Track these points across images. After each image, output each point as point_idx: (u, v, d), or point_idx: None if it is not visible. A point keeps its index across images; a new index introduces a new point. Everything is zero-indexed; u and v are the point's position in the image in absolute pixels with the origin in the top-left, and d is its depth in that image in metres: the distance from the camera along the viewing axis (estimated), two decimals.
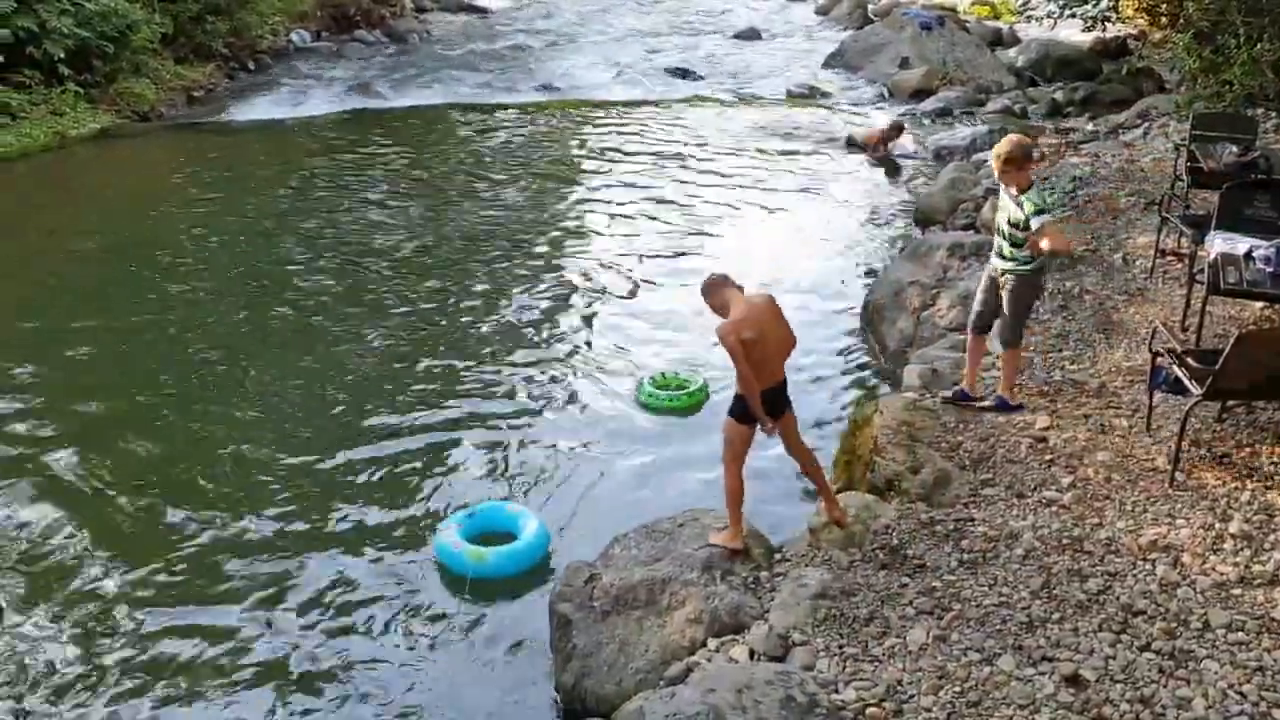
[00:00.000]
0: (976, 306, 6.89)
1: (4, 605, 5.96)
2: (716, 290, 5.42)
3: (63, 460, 7.39)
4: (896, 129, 15.27)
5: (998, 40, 22.60)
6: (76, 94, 16.55)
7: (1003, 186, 6.58)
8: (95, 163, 15.30)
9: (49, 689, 5.43)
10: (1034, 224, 6.31)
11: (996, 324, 6.81)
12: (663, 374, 8.40)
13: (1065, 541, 5.49)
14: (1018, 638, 4.83)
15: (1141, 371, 6.96)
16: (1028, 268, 6.55)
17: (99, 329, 9.50)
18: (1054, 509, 5.80)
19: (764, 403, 5.34)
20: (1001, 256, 6.62)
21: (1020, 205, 6.37)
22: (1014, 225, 6.46)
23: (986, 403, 6.82)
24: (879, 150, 14.95)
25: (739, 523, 5.59)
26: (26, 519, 6.75)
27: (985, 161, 12.93)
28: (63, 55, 16.24)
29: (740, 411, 5.43)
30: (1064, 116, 16.72)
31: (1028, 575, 5.24)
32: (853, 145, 15.34)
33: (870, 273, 10.63)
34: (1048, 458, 6.28)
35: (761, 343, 5.25)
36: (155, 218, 12.69)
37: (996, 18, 24.47)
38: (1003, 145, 6.50)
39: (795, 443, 5.72)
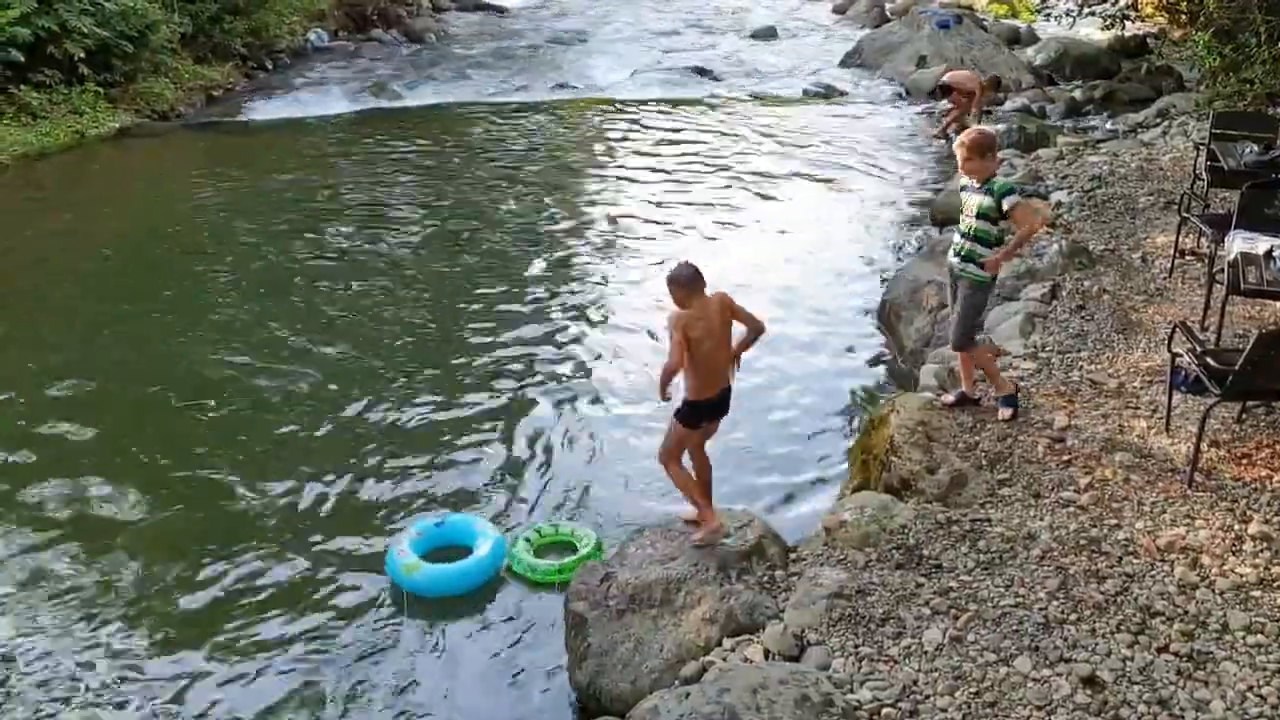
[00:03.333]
0: (949, 311, 6.86)
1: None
2: (688, 287, 5.35)
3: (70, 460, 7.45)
4: (994, 82, 15.06)
5: (1016, 39, 22.52)
6: (96, 93, 16.67)
7: (966, 181, 6.48)
8: (115, 162, 15.40)
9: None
10: (1006, 204, 6.19)
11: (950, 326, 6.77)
12: (539, 530, 6.52)
13: (1083, 542, 5.46)
14: (1034, 639, 4.80)
15: (1160, 371, 6.92)
16: (981, 279, 6.49)
17: (115, 325, 9.57)
18: (1071, 509, 5.77)
19: (710, 408, 5.49)
20: (959, 256, 6.51)
21: (988, 191, 6.26)
22: (982, 216, 6.31)
23: (1006, 413, 6.66)
24: (968, 109, 14.65)
25: (709, 505, 5.64)
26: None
27: (1003, 160, 12.94)
28: (83, 55, 16.35)
29: (688, 416, 5.50)
30: (1082, 115, 16.65)
31: (1045, 576, 5.21)
32: (944, 92, 15.23)
33: (887, 272, 10.59)
34: (1065, 458, 6.24)
35: (707, 345, 5.34)
36: (173, 216, 12.75)
37: (1015, 16, 24.40)
38: (969, 134, 6.42)
39: (703, 446, 5.78)
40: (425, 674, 5.56)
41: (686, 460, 5.69)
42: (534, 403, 8.29)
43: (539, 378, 8.67)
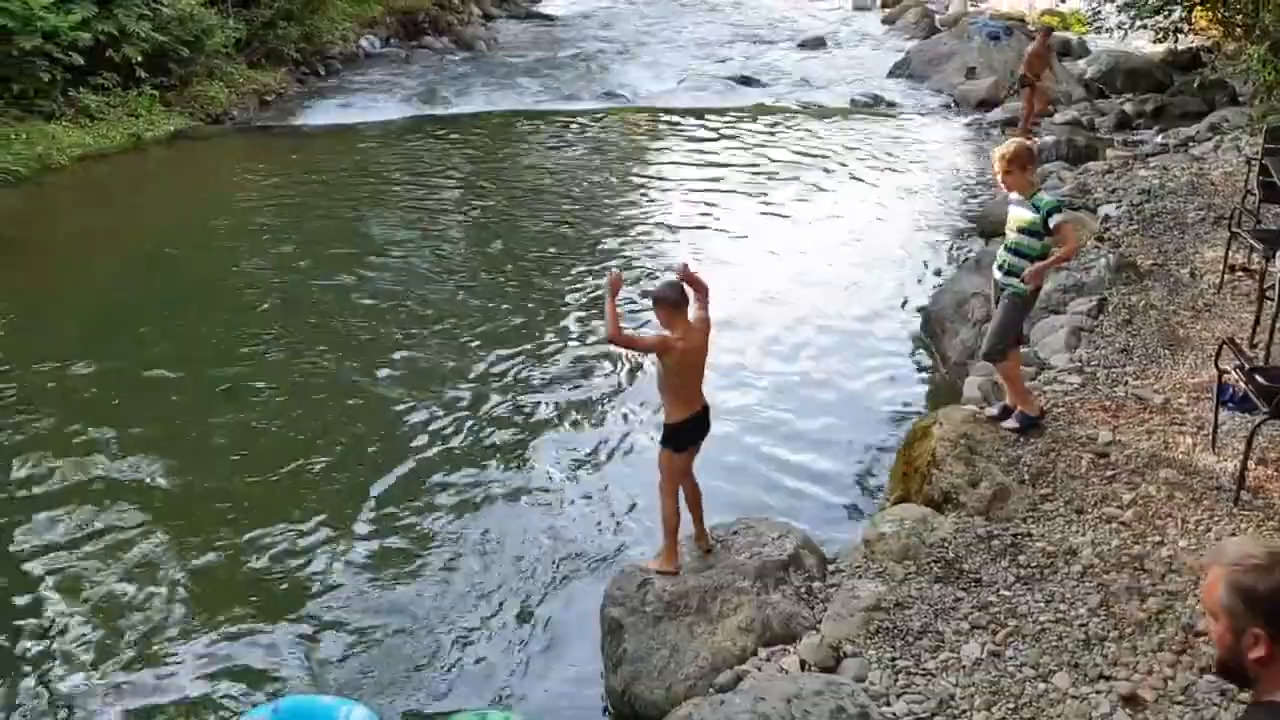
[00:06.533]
0: None
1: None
2: (673, 307, 5.27)
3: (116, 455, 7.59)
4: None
5: (1066, 51, 22.28)
6: (152, 96, 17.01)
7: (1010, 196, 6.47)
8: (169, 163, 15.70)
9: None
10: (1052, 221, 6.18)
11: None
12: None
13: (1125, 559, 5.41)
14: (1074, 655, 4.77)
15: (1207, 388, 6.83)
16: (1021, 291, 6.46)
17: (160, 323, 9.74)
18: (1114, 526, 5.72)
19: (690, 427, 5.41)
20: (1002, 269, 6.51)
21: (1034, 207, 6.27)
22: (1025, 230, 6.32)
23: (1010, 423, 6.64)
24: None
25: (675, 549, 5.58)
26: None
27: (1051, 173, 12.84)
28: (140, 58, 16.69)
29: (675, 442, 5.46)
30: (1133, 129, 16.45)
31: (1085, 592, 5.18)
32: (1023, 84, 15.15)
33: (932, 283, 10.54)
34: (1109, 473, 6.19)
35: (689, 365, 5.31)
36: (224, 216, 12.98)
37: (1066, 29, 24.15)
38: (1006, 145, 6.42)
39: (691, 471, 5.70)
40: (458, 675, 5.59)
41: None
42: (576, 395, 8.36)
43: (584, 371, 8.75)
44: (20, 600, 6.10)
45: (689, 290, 5.37)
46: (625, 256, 11.61)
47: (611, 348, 8.71)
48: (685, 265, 5.61)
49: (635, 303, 9.62)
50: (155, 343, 9.39)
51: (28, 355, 9.06)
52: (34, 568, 6.36)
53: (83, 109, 15.91)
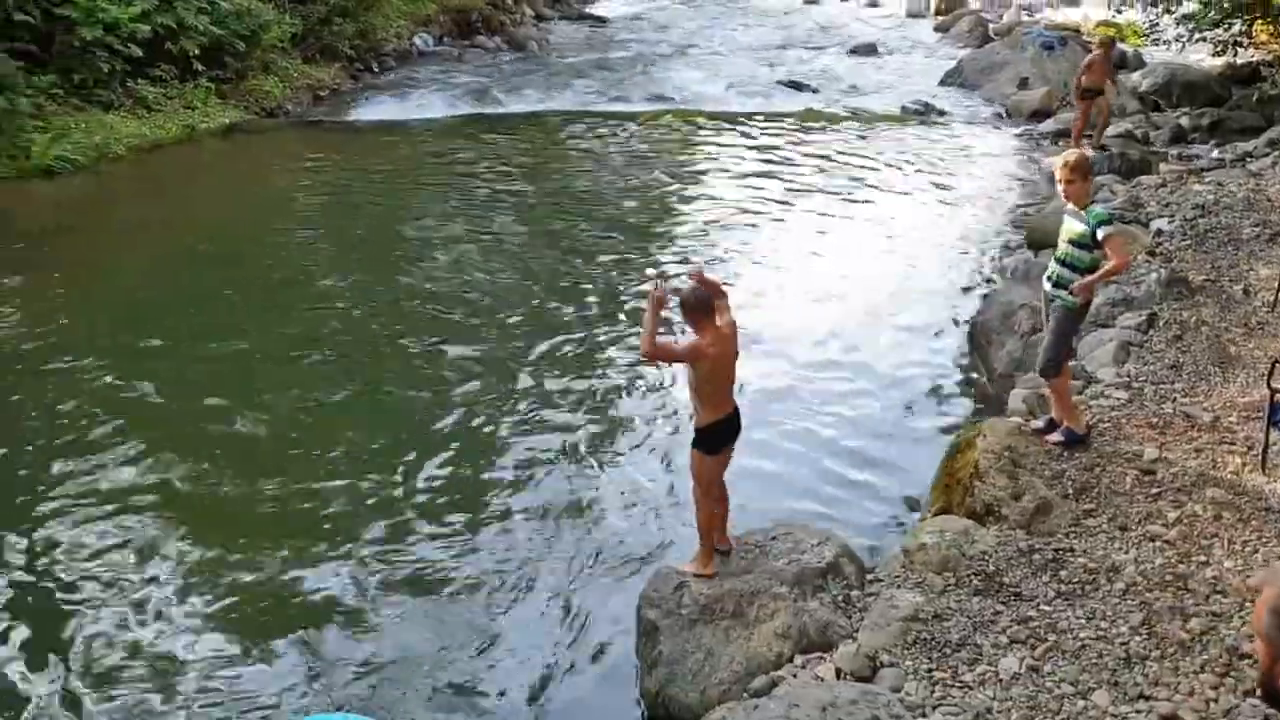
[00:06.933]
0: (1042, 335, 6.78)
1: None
2: (699, 311, 5.27)
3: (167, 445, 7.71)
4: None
5: (1122, 63, 21.96)
6: (208, 89, 17.28)
7: (1066, 206, 6.43)
8: (223, 155, 15.93)
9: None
10: (1100, 234, 6.13)
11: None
12: None
13: (1169, 578, 5.34)
14: (1114, 673, 4.72)
15: (1258, 407, 6.73)
16: (1070, 304, 6.40)
17: (214, 311, 9.88)
18: (1158, 544, 5.65)
19: (721, 430, 5.38)
20: (1052, 281, 6.47)
21: (1085, 220, 6.22)
22: (1075, 243, 6.28)
23: (1055, 437, 6.59)
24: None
25: (711, 552, 5.58)
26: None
27: (1103, 185, 12.69)
28: (197, 51, 16.97)
29: (707, 444, 5.43)
30: (1188, 143, 16.22)
31: (1127, 610, 5.12)
32: (1087, 95, 14.96)
33: (978, 293, 10.46)
34: (1154, 491, 6.11)
35: (721, 369, 5.30)
36: (278, 209, 13.17)
37: (1122, 40, 23.87)
38: (1070, 154, 6.39)
39: (722, 478, 5.68)
40: (493, 674, 5.62)
41: None
42: (621, 398, 8.39)
43: (631, 377, 8.77)
44: (34, 599, 6.14)
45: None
46: (671, 255, 11.63)
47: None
48: (700, 271, 5.61)
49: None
50: (209, 330, 9.53)
51: (84, 340, 9.23)
52: (53, 567, 6.37)
53: (140, 100, 16.19)
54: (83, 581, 6.22)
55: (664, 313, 5.36)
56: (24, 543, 6.55)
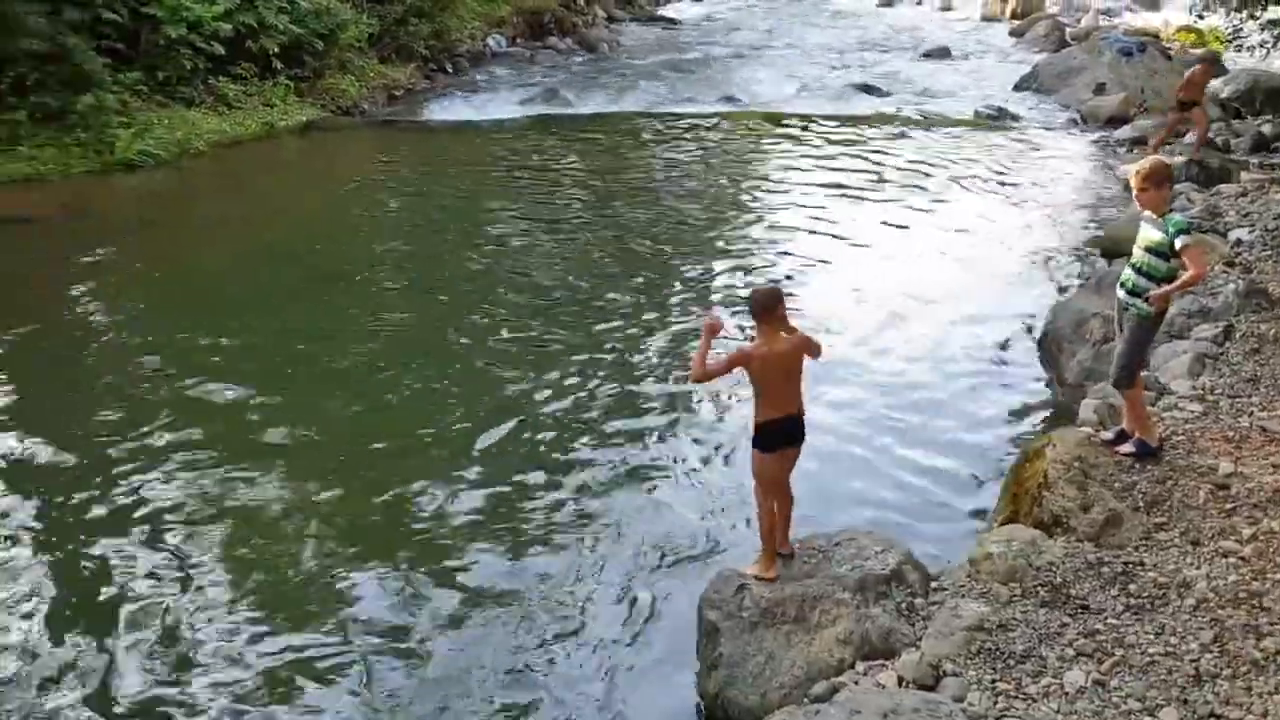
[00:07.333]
0: (1114, 345, 6.66)
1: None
2: (760, 317, 5.35)
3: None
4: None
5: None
6: (286, 87, 17.66)
7: (1143, 213, 6.32)
8: (300, 152, 16.27)
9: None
10: (1178, 243, 6.00)
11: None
12: None
13: (1242, 595, 5.24)
14: (1184, 690, 4.65)
15: None
16: (1145, 313, 6.29)
17: (293, 304, 10.11)
18: (1232, 560, 5.54)
19: (775, 430, 5.39)
20: (1126, 289, 6.35)
21: (1164, 228, 6.11)
22: (1152, 250, 6.16)
23: (1127, 448, 6.49)
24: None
25: (774, 556, 5.59)
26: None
27: (1180, 194, 12.45)
28: (277, 50, 17.34)
29: (762, 442, 5.44)
30: (1271, 151, 15.85)
31: (1198, 627, 5.04)
32: (1184, 107, 14.69)
33: (1049, 301, 10.32)
34: (1228, 506, 6.00)
35: (772, 375, 5.31)
36: (355, 205, 13.43)
37: (1203, 46, 23.39)
38: (1144, 163, 6.26)
39: (787, 481, 5.68)
40: (554, 671, 5.67)
41: None
42: (685, 407, 8.42)
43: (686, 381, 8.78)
44: (91, 587, 6.29)
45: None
46: (737, 256, 11.66)
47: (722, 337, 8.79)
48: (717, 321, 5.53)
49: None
50: (289, 322, 9.79)
51: (167, 329, 9.51)
52: (120, 557, 6.52)
53: (221, 97, 16.60)
54: (134, 583, 6.30)
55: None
56: (92, 536, 6.72)
